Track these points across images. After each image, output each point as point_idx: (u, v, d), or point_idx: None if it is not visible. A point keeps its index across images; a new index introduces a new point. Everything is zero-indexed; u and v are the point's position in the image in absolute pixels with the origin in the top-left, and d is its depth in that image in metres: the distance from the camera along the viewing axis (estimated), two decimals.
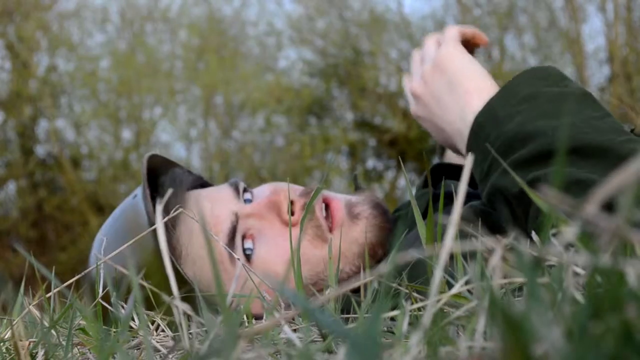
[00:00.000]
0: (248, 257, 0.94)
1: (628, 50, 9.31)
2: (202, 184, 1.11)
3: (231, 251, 0.83)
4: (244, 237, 0.95)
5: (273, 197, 0.96)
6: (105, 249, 0.91)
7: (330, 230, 0.96)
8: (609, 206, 0.28)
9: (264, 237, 0.95)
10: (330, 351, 0.47)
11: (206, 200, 0.98)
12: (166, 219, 0.62)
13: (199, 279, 0.94)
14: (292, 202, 0.95)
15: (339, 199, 1.00)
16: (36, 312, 0.73)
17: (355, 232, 0.97)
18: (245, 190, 1.01)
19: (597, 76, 9.66)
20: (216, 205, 0.97)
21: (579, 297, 0.30)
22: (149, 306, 0.66)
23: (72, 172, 9.84)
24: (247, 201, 0.99)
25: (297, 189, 1.00)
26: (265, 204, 0.96)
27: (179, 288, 0.42)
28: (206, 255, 0.94)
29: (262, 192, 1.00)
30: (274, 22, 11.04)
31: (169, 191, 0.49)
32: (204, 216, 0.96)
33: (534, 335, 0.25)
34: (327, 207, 0.98)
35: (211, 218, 0.95)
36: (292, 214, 0.95)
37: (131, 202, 0.98)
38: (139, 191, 0.97)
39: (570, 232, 0.29)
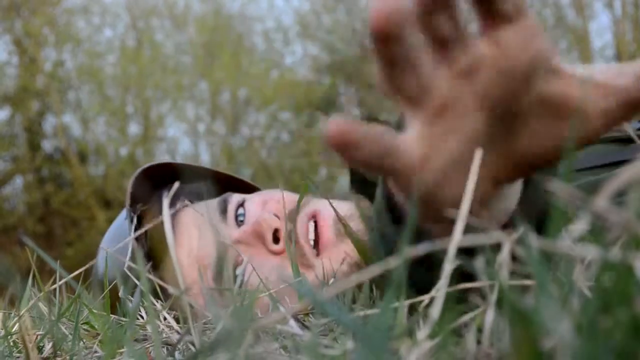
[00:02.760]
0: (241, 284, 0.92)
1: (635, 47, 9.28)
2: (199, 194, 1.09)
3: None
4: (235, 265, 0.94)
5: (257, 228, 0.94)
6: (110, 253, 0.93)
7: (318, 254, 0.94)
8: (618, 201, 0.28)
9: (253, 263, 0.93)
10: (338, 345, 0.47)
11: (194, 228, 0.98)
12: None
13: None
14: (276, 230, 0.94)
15: (327, 218, 0.96)
16: (43, 306, 0.73)
17: (346, 249, 0.94)
18: (241, 205, 0.99)
19: None
20: (203, 234, 0.97)
21: (587, 291, 0.30)
22: (157, 299, 0.66)
23: (79, 167, 9.86)
24: (239, 221, 0.98)
25: (286, 204, 0.96)
26: (250, 233, 0.95)
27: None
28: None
29: (254, 209, 0.98)
30: (281, 18, 11.04)
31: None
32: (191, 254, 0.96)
33: (543, 329, 0.25)
34: (316, 225, 0.96)
35: (199, 253, 0.96)
36: (277, 241, 0.94)
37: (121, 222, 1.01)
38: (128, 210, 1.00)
39: (579, 226, 0.29)
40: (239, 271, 0.93)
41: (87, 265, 0.68)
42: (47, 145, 10.29)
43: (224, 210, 0.99)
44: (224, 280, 0.93)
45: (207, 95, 10.50)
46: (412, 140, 0.39)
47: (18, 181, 10.11)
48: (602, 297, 0.26)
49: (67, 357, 0.56)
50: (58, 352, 0.58)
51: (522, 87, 0.39)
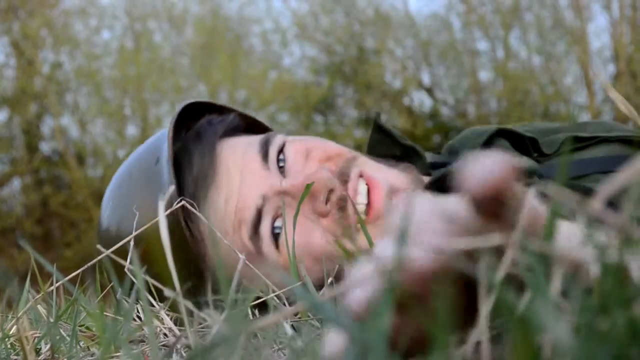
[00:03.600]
0: (276, 237, 0.88)
1: (633, 49, 9.30)
2: (236, 127, 1.02)
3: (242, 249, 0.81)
4: (275, 217, 0.89)
5: (312, 185, 0.86)
6: (123, 217, 0.90)
7: (367, 221, 0.88)
8: (612, 203, 0.28)
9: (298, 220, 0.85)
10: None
11: (235, 171, 0.91)
12: (169, 211, 0.61)
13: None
14: (330, 190, 0.88)
15: (381, 186, 0.90)
16: (41, 308, 0.73)
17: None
18: (281, 150, 0.93)
19: (602, 74, 9.64)
20: (244, 182, 0.91)
21: (585, 293, 0.30)
22: (160, 298, 0.65)
23: (77, 169, 9.86)
24: (281, 166, 0.92)
25: (333, 157, 0.92)
26: (299, 188, 0.88)
27: (188, 280, 0.42)
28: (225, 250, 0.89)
29: (295, 158, 0.93)
30: (279, 20, 11.04)
31: (174, 196, 0.49)
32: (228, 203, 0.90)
33: (541, 332, 0.25)
34: (369, 191, 0.90)
35: (237, 200, 0.90)
36: (327, 202, 0.88)
37: (153, 169, 0.91)
38: (163, 155, 0.90)
39: (576, 228, 0.29)
40: (278, 223, 0.89)
41: (84, 267, 0.68)
42: (45, 147, 10.29)
43: (265, 154, 0.93)
44: (260, 239, 0.88)
45: (205, 96, 10.50)
46: None
47: (16, 183, 10.11)
48: (600, 299, 0.26)
49: (65, 359, 0.56)
50: (55, 354, 0.58)
51: None
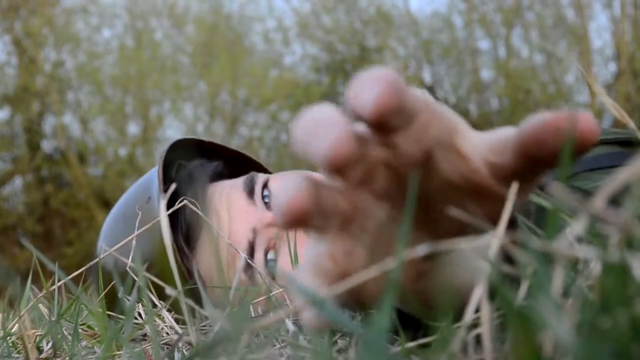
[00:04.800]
0: (271, 269, 0.90)
1: (635, 47, 9.29)
2: (222, 173, 1.05)
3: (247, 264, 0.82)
4: (267, 250, 0.91)
5: None
6: (113, 247, 0.91)
7: None
8: (614, 201, 0.28)
9: (286, 247, 0.90)
10: (339, 348, 0.47)
11: (223, 211, 0.94)
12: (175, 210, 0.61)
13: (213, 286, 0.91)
14: None
15: None
16: (42, 307, 0.73)
17: None
18: (265, 185, 0.96)
19: (603, 73, 9.64)
20: (233, 218, 0.93)
21: (587, 291, 0.30)
22: (161, 297, 0.65)
23: (79, 168, 9.86)
24: (266, 202, 0.95)
25: None
26: None
27: (187, 281, 0.42)
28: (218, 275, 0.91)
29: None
30: (281, 18, 11.04)
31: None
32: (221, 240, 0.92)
33: (543, 330, 0.25)
34: None
35: (228, 236, 0.92)
36: None
37: (146, 206, 0.94)
38: (153, 193, 0.93)
39: (578, 226, 0.29)
40: (270, 256, 0.91)
41: (86, 266, 0.68)
42: (47, 146, 10.29)
43: (250, 191, 0.96)
44: (254, 270, 0.91)
45: (206, 95, 10.50)
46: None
47: (17, 181, 10.11)
48: (602, 297, 0.26)
49: (67, 358, 0.56)
50: (57, 353, 0.58)
51: (423, 177, 0.37)
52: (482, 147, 0.37)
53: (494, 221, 0.36)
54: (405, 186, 0.37)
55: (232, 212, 0.94)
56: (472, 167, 0.37)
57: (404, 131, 0.36)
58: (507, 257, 0.34)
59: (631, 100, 8.86)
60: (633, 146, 0.97)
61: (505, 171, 0.36)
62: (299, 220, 0.34)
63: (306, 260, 0.37)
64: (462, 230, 0.38)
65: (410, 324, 0.42)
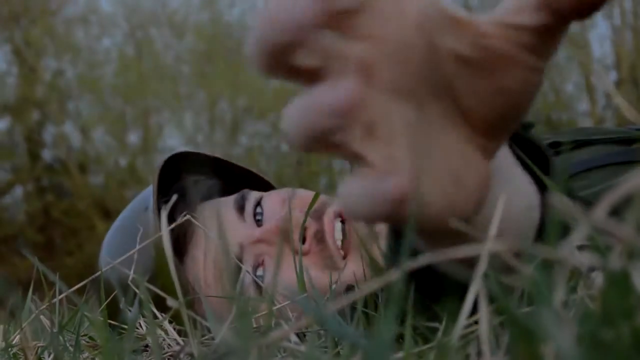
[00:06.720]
0: (259, 284, 0.90)
1: (635, 56, 9.29)
2: (217, 191, 1.05)
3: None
4: (257, 266, 0.91)
5: (283, 225, 0.90)
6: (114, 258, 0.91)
7: (345, 256, 0.91)
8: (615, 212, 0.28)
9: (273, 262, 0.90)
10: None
11: (212, 227, 0.94)
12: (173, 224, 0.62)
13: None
14: (305, 229, 0.90)
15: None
16: (43, 318, 0.73)
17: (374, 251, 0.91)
18: (258, 203, 0.96)
19: (605, 80, 9.63)
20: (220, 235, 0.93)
21: (589, 302, 0.30)
22: (162, 309, 0.65)
23: (79, 177, 9.85)
24: (258, 219, 0.95)
25: (307, 202, 0.92)
26: (275, 231, 0.91)
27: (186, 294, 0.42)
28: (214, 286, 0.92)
29: (273, 207, 0.95)
30: None
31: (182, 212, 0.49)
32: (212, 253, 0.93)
33: (544, 340, 0.25)
34: (343, 224, 0.92)
35: (216, 252, 0.93)
36: (304, 241, 0.89)
37: (143, 216, 0.95)
38: (150, 203, 0.94)
39: (579, 237, 0.29)
40: (260, 272, 0.91)
41: (89, 279, 0.68)
42: (47, 155, 10.28)
43: (241, 208, 0.96)
44: (241, 285, 0.91)
45: (206, 104, 10.51)
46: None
47: (18, 191, 10.10)
48: (603, 309, 0.26)
49: None
50: None
51: (432, 63, 0.36)
52: (496, 12, 0.36)
53: (522, 92, 0.37)
54: (419, 77, 0.36)
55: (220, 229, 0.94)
56: (481, 31, 0.36)
57: (362, 14, 0.35)
58: (505, 266, 0.34)
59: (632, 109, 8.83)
60: (630, 143, 0.97)
61: (526, 30, 0.36)
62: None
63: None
64: (493, 110, 0.38)
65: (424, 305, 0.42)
